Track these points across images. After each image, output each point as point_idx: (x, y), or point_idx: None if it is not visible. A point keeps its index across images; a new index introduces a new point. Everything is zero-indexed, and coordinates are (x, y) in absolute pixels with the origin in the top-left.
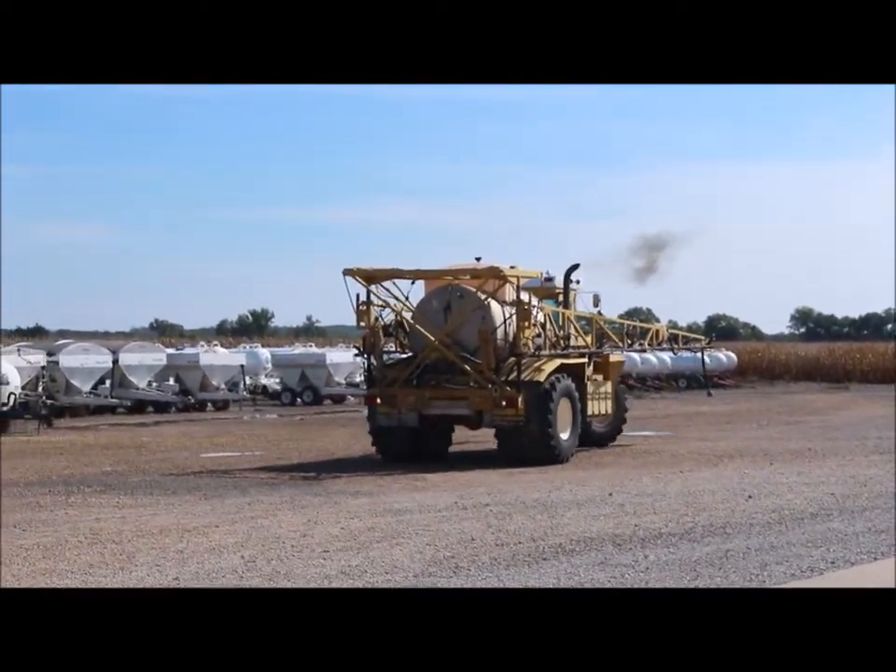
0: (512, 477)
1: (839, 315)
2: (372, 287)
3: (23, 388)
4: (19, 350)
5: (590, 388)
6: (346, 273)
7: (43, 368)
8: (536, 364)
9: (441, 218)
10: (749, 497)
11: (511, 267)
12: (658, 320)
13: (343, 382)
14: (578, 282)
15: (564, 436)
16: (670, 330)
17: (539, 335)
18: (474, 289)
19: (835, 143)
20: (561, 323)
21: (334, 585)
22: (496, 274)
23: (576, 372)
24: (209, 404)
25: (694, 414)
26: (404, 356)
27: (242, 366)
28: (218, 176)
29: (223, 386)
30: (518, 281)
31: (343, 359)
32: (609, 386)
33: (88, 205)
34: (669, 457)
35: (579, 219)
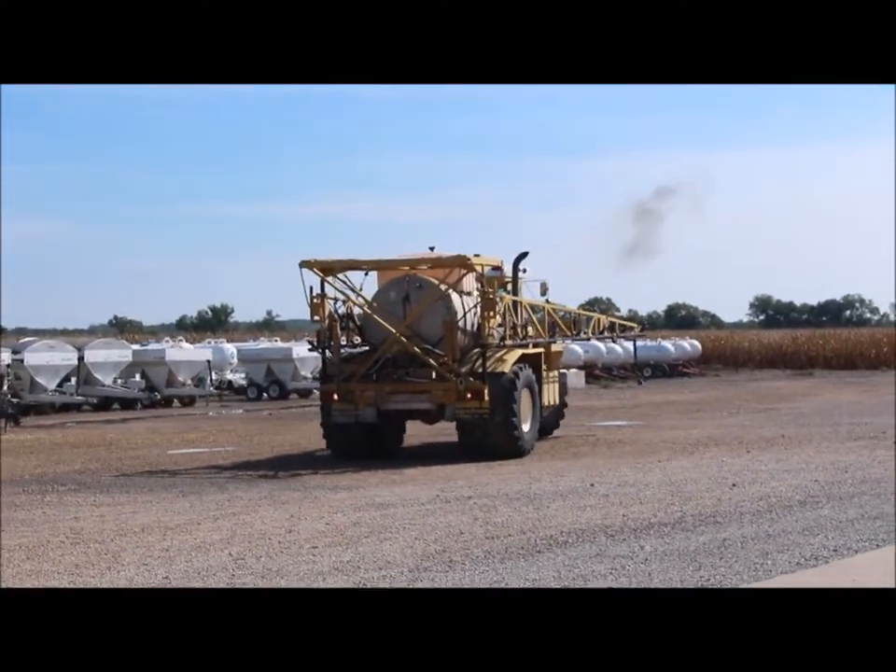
0: (490, 469)
1: (798, 303)
2: (328, 280)
3: None
4: None
5: (543, 378)
6: (303, 264)
7: (8, 366)
8: (498, 355)
9: (395, 212)
10: (734, 485)
11: (475, 255)
12: (618, 310)
13: (310, 376)
14: (524, 270)
15: (525, 427)
16: (609, 319)
17: (500, 325)
18: (434, 279)
19: (794, 130)
20: (519, 312)
21: (328, 581)
22: (463, 263)
23: (534, 363)
24: (175, 400)
25: (663, 403)
26: (359, 349)
27: (208, 361)
28: (177, 171)
29: (189, 382)
30: (482, 269)
31: (310, 354)
32: (555, 375)
33: (42, 201)
34: (644, 446)
35: (533, 209)
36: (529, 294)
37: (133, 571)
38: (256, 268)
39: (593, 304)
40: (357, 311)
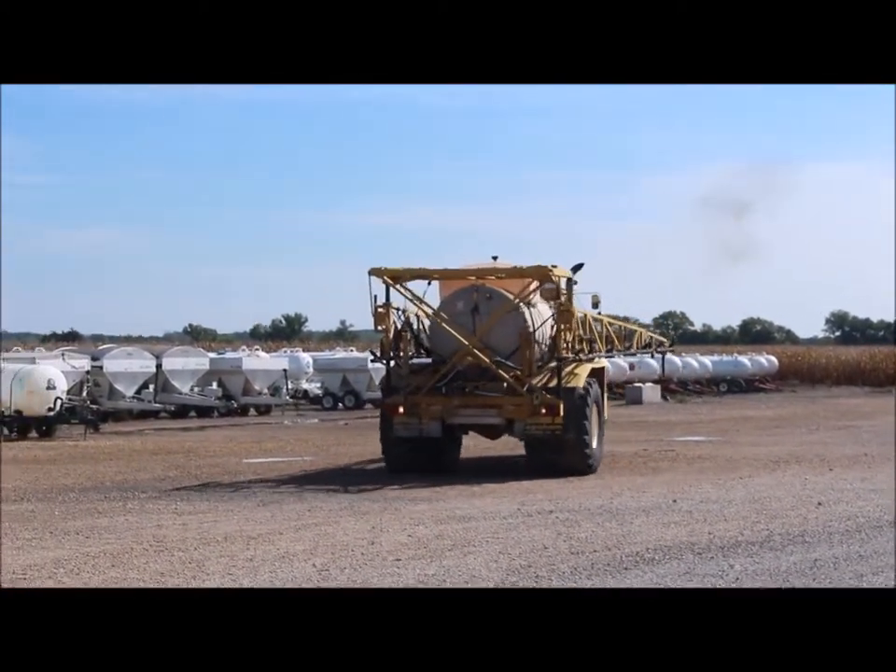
0: (570, 483)
1: (874, 319)
2: (398, 287)
3: (68, 393)
4: (63, 355)
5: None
6: (372, 272)
7: (87, 373)
8: (568, 369)
9: (465, 222)
10: (819, 503)
11: (553, 266)
12: (692, 324)
13: None
14: (576, 282)
15: (594, 444)
16: (648, 334)
17: (577, 339)
18: (503, 290)
19: (873, 143)
20: (588, 326)
21: None
22: (544, 274)
23: (598, 377)
24: (251, 409)
25: (741, 419)
26: (420, 361)
27: (284, 370)
28: (249, 179)
29: (265, 391)
30: (559, 281)
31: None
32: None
33: (117, 209)
34: (725, 462)
35: (596, 219)
36: (580, 306)
37: (218, 581)
38: (329, 277)
39: (666, 318)
40: (417, 321)
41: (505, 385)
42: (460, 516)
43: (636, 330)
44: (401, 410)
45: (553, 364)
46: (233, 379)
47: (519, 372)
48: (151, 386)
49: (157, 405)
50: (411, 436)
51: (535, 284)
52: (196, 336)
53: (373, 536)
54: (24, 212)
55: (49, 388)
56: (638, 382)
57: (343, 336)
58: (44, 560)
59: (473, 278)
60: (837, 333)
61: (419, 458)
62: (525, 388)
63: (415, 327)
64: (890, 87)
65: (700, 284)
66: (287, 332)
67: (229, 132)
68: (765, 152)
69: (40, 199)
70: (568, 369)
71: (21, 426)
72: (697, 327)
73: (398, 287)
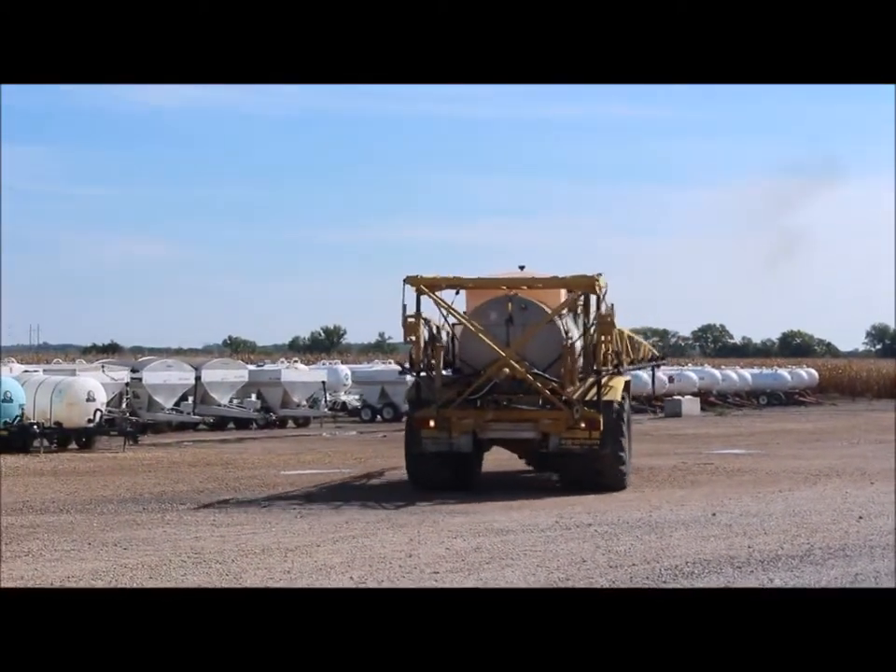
0: (608, 496)
1: None
2: (432, 295)
3: (108, 405)
4: (103, 367)
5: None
6: (408, 281)
7: (127, 384)
8: (604, 382)
9: (499, 235)
10: (860, 517)
11: (599, 274)
12: (731, 337)
13: None
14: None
15: (628, 459)
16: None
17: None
18: (537, 301)
19: None
20: (624, 339)
21: None
22: (589, 284)
23: (627, 391)
24: (290, 421)
25: (781, 432)
26: (452, 373)
27: (323, 382)
28: (286, 193)
29: (304, 403)
30: (601, 292)
31: None
32: None
33: (159, 224)
34: (764, 476)
35: (620, 234)
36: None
37: None
38: (368, 290)
39: (706, 331)
40: (447, 332)
41: (540, 398)
42: (498, 529)
43: (642, 343)
44: (432, 423)
45: (592, 378)
46: (272, 391)
47: (557, 385)
48: (190, 398)
49: (196, 417)
50: (440, 450)
51: (574, 294)
52: (235, 348)
53: (411, 548)
54: (67, 223)
55: (88, 400)
56: (678, 394)
57: (381, 348)
58: (82, 571)
59: (505, 288)
60: (878, 346)
61: (444, 473)
62: (563, 401)
63: (454, 336)
64: (890, 87)
65: (739, 296)
66: (325, 344)
67: (272, 147)
68: (808, 165)
69: (83, 211)
70: (603, 381)
71: (60, 437)
72: (737, 339)
73: (433, 295)
